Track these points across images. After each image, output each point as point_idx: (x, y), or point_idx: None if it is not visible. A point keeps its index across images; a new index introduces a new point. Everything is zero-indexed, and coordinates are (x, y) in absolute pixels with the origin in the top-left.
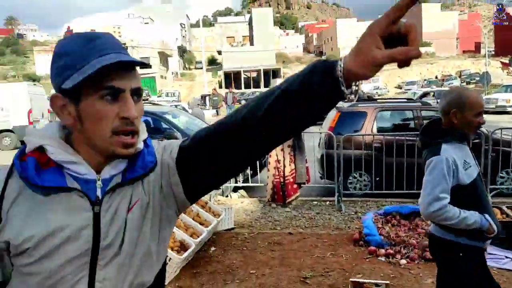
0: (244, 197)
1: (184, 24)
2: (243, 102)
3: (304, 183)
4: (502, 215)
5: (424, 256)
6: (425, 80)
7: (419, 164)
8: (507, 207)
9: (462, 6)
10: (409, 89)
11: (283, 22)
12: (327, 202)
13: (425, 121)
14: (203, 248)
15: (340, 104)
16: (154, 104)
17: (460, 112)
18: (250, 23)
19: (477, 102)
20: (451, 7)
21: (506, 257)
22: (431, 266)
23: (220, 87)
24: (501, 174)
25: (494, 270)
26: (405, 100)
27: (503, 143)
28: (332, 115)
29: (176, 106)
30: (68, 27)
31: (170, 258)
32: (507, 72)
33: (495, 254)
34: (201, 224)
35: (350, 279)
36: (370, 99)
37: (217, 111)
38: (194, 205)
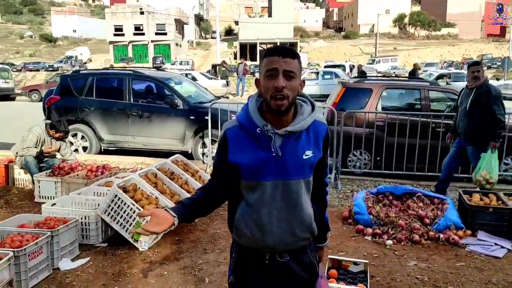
0: None
1: None
2: (257, 74)
3: None
4: (498, 201)
5: (412, 238)
6: (445, 62)
7: (421, 145)
8: (504, 193)
9: None
10: (426, 70)
11: None
12: None
13: (432, 103)
14: None
15: (346, 79)
16: (160, 70)
17: None
18: None
19: None
20: None
21: (496, 244)
22: (417, 248)
23: (235, 58)
24: (505, 161)
25: (482, 257)
26: (412, 78)
27: (509, 129)
28: (337, 91)
29: (186, 75)
30: None
31: None
32: None
33: (484, 241)
34: (188, 192)
35: (329, 256)
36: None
37: (227, 82)
38: (184, 172)
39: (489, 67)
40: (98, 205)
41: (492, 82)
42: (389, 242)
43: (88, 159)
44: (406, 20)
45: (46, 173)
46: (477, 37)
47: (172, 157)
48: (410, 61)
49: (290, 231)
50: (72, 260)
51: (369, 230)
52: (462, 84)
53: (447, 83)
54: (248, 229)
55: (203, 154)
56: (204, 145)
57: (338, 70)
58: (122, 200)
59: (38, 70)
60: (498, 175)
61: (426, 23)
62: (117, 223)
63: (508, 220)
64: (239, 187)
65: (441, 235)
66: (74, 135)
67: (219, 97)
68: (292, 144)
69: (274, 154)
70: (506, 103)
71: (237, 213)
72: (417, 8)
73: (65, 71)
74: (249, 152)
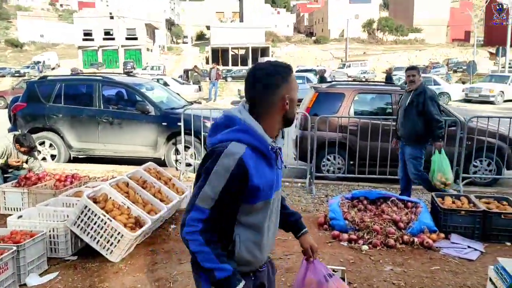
0: None
1: None
2: (229, 79)
3: None
4: (469, 204)
5: (387, 243)
6: None
7: (393, 149)
8: (475, 196)
9: None
10: (395, 75)
11: (275, 0)
12: (299, 184)
13: None
14: (163, 225)
15: (318, 84)
16: (130, 75)
17: None
18: None
19: None
20: None
21: (469, 246)
22: (393, 253)
23: (207, 63)
24: (474, 163)
25: (456, 260)
26: (384, 83)
27: (478, 132)
28: (309, 96)
29: (158, 80)
30: None
31: (122, 235)
32: (494, 62)
33: (457, 244)
34: (161, 201)
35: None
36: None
37: (199, 87)
38: (157, 181)
39: (455, 71)
40: (67, 217)
41: (459, 86)
42: (365, 247)
43: (56, 168)
44: (375, 25)
45: (12, 183)
46: (443, 42)
47: (144, 165)
48: (379, 66)
49: (274, 239)
50: (40, 275)
51: (345, 235)
52: (431, 88)
53: None
54: (251, 254)
55: (176, 160)
56: (177, 151)
57: (309, 75)
58: (93, 211)
59: (3, 76)
60: (452, 173)
61: (394, 28)
62: (87, 235)
63: (479, 222)
64: (236, 212)
65: (416, 239)
66: (42, 143)
67: (191, 103)
68: (280, 155)
69: (280, 169)
70: (471, 106)
71: (237, 242)
72: (385, 13)
73: (32, 77)
74: (265, 173)
